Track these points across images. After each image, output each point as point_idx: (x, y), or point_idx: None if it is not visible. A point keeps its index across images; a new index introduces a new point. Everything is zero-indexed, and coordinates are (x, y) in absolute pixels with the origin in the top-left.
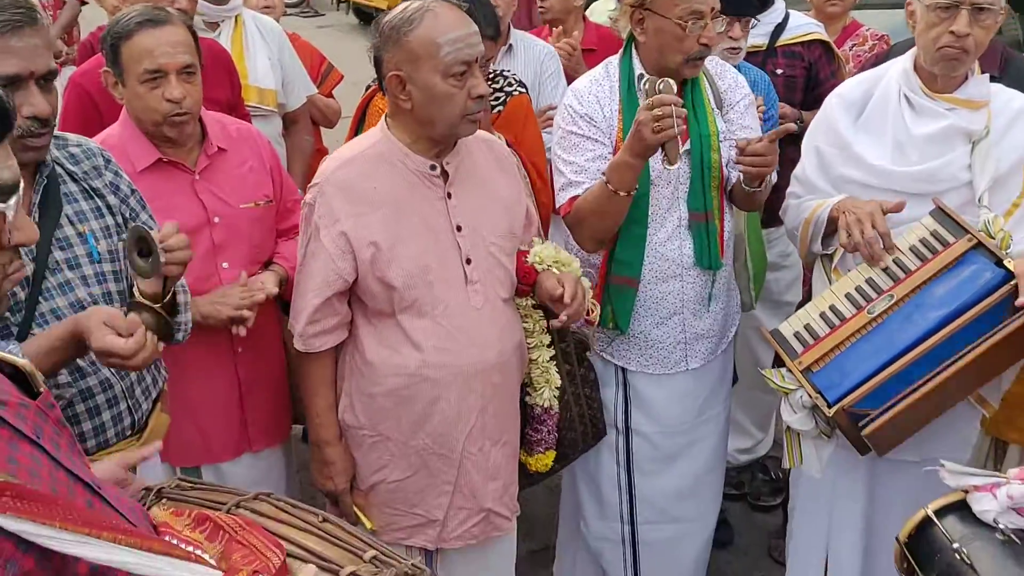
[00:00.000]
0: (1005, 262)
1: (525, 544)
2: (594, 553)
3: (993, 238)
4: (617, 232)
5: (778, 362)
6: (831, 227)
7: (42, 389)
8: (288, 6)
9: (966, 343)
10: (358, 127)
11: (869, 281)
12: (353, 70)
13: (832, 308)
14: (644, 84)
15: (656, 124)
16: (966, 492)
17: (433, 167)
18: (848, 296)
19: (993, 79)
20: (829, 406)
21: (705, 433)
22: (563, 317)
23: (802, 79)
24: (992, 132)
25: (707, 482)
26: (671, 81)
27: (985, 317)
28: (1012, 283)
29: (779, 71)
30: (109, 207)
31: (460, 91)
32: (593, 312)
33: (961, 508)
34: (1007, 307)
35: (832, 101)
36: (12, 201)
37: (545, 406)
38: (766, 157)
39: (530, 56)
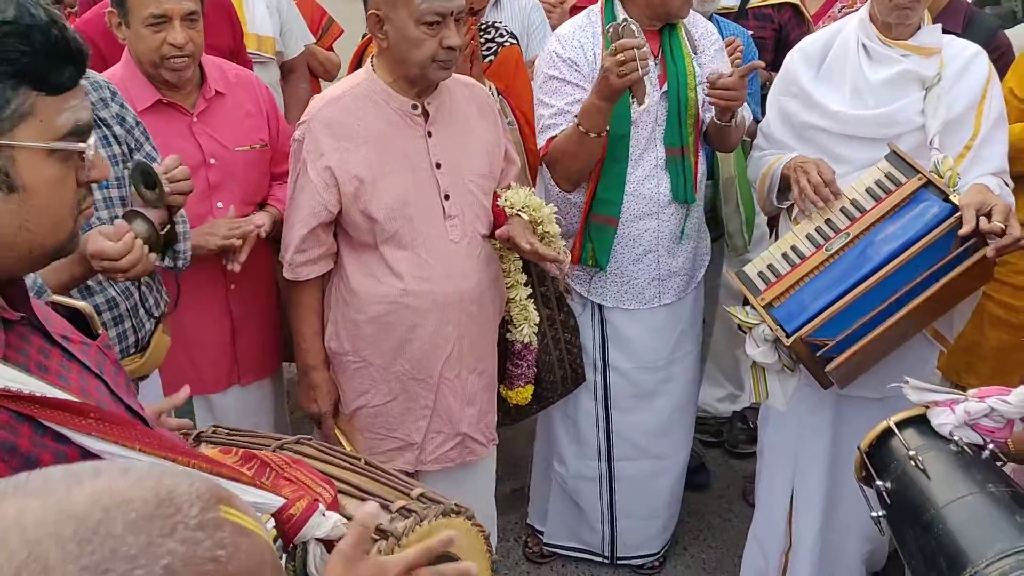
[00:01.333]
0: (952, 197)
1: (508, 483)
2: (570, 492)
3: (942, 176)
4: (599, 172)
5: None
6: (785, 182)
7: (100, 331)
8: None
9: (915, 274)
10: None
11: (828, 221)
12: (356, 27)
13: (793, 248)
14: (608, 30)
15: (620, 68)
16: (927, 407)
17: (415, 106)
18: (808, 236)
19: (955, 36)
20: (788, 336)
21: (679, 371)
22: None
23: (772, 41)
24: (944, 78)
25: (680, 419)
26: (632, 25)
27: (931, 249)
28: (957, 216)
29: (750, 32)
30: (115, 136)
31: (432, 39)
32: (564, 257)
33: (921, 422)
34: (952, 239)
35: (794, 55)
36: (92, 140)
37: (525, 342)
38: (735, 91)
39: (515, 8)
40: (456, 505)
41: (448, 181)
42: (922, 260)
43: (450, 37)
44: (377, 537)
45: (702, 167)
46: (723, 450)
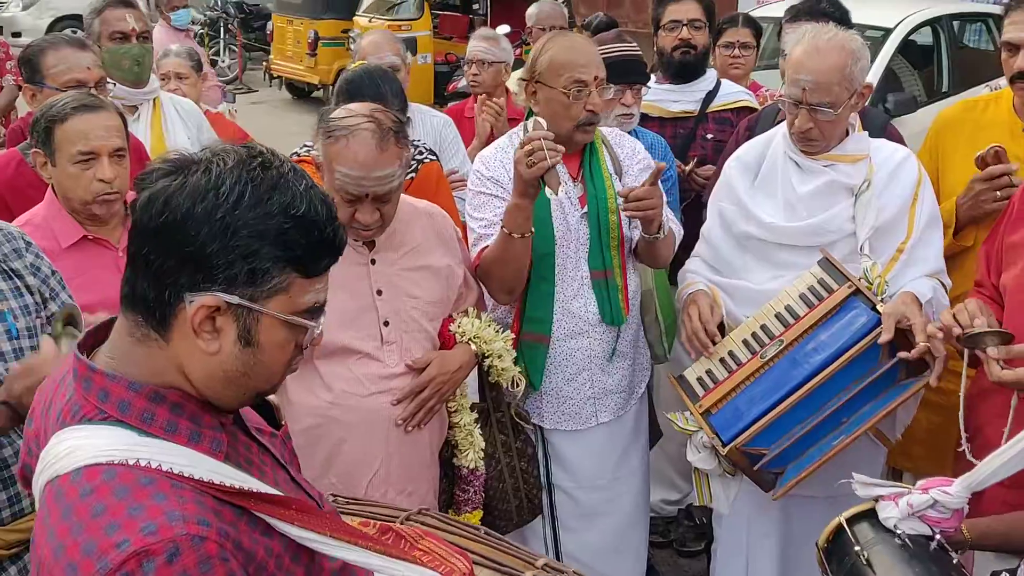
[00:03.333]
0: (878, 306)
1: None
2: None
3: (871, 284)
4: (526, 290)
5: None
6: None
7: (284, 422)
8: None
9: (843, 384)
10: None
11: (763, 327)
12: (287, 145)
13: (731, 353)
14: (522, 133)
15: (529, 159)
16: (876, 501)
17: (356, 238)
18: (744, 342)
19: None
20: (724, 445)
21: (624, 489)
22: None
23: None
24: (875, 183)
25: (630, 538)
26: (540, 120)
27: (859, 360)
28: (882, 327)
29: (709, 135)
30: (28, 287)
31: (347, 208)
32: (520, 384)
33: (872, 516)
34: (879, 349)
35: (731, 164)
36: (322, 319)
37: (471, 467)
38: (648, 200)
39: (428, 127)
40: (575, 572)
41: (389, 308)
42: (850, 371)
43: (362, 215)
44: None
45: (632, 284)
46: (672, 550)
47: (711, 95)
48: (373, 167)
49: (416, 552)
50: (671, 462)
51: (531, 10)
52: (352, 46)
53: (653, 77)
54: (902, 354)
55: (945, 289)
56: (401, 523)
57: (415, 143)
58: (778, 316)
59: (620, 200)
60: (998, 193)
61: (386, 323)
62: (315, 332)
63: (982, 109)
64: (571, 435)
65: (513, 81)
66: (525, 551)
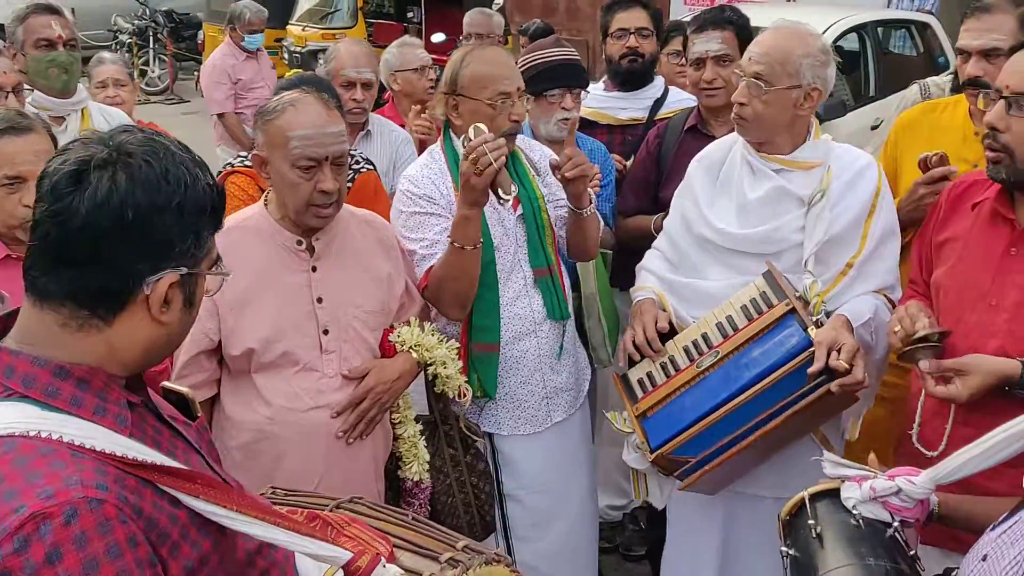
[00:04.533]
0: (810, 330)
1: None
2: None
3: (808, 303)
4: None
5: None
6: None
7: (199, 413)
8: (152, 94)
9: (770, 404)
10: None
11: (704, 336)
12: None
13: (671, 359)
14: (463, 141)
15: (476, 167)
16: (842, 481)
17: (299, 242)
18: (685, 349)
19: None
20: (651, 452)
21: (574, 490)
22: None
23: None
24: (831, 192)
25: (582, 540)
26: (479, 125)
27: (786, 381)
28: (811, 351)
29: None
30: None
31: (307, 183)
32: (466, 395)
33: (835, 495)
34: (806, 372)
35: (695, 165)
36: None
37: (415, 479)
38: (579, 157)
39: (386, 141)
40: (496, 553)
41: (329, 316)
42: (777, 390)
43: (324, 181)
44: None
45: (567, 281)
46: (618, 555)
47: (659, 102)
48: (327, 123)
49: (342, 538)
50: (617, 467)
51: (467, 18)
52: (285, 56)
53: (601, 84)
54: (830, 386)
55: (892, 304)
56: (330, 511)
57: (351, 153)
58: (719, 326)
59: (548, 198)
60: (939, 196)
61: (326, 331)
62: (227, 277)
63: (940, 111)
64: (524, 440)
65: None
66: (448, 534)
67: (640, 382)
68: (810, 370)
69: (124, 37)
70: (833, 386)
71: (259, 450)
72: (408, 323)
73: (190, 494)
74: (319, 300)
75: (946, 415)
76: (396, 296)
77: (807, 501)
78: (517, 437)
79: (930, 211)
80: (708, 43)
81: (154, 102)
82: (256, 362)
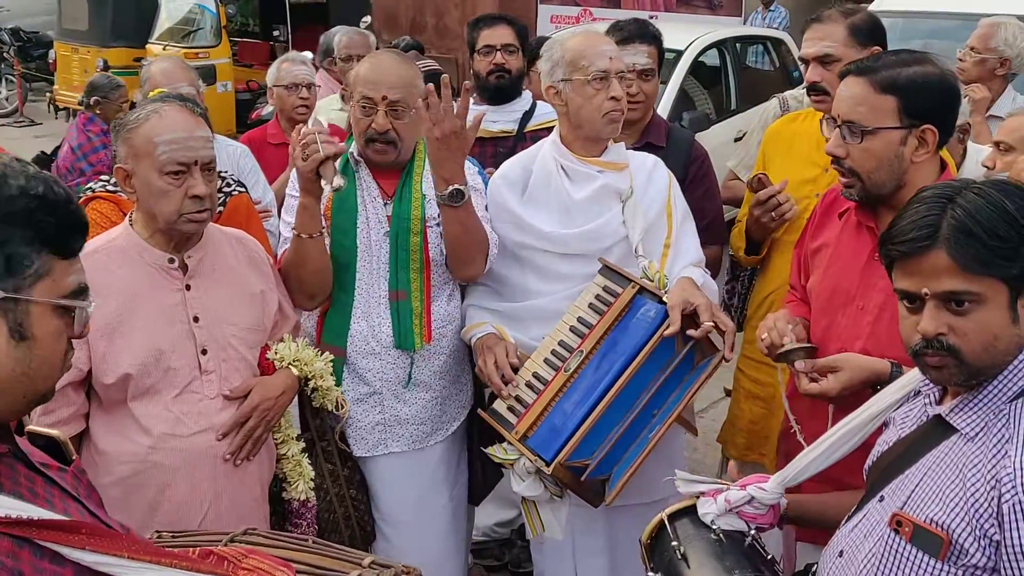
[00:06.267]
0: (664, 298)
1: None
2: None
3: (652, 280)
4: (330, 300)
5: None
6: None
7: (75, 457)
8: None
9: (649, 379)
10: None
11: (561, 343)
12: None
13: (535, 375)
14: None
15: (303, 153)
16: (698, 498)
17: (171, 260)
18: (547, 360)
19: (660, 149)
20: (548, 464)
21: (429, 533)
22: None
23: None
24: (636, 189)
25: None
26: (319, 118)
27: (658, 352)
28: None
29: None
30: None
31: (177, 189)
32: (345, 406)
33: (693, 512)
34: (675, 338)
35: (497, 182)
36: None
37: (302, 499)
38: (445, 114)
39: (226, 156)
40: (404, 566)
41: (206, 335)
42: (651, 365)
43: (195, 186)
44: None
45: (436, 310)
46: (507, 572)
47: (528, 115)
48: (194, 128)
49: (240, 572)
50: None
51: (344, 39)
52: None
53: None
54: (691, 332)
55: (709, 273)
56: (224, 545)
57: (222, 175)
58: (572, 329)
59: (435, 224)
60: (773, 213)
61: (204, 351)
62: (87, 312)
63: (801, 121)
64: (367, 461)
65: (325, 108)
66: (353, 552)
67: (511, 408)
68: (667, 332)
69: None
70: (726, 353)
71: (140, 483)
72: (283, 339)
73: (75, 546)
74: (195, 319)
75: (818, 417)
76: (270, 314)
77: (667, 522)
78: (363, 458)
79: (808, 219)
80: (636, 56)
81: (2, 125)
82: (133, 389)
